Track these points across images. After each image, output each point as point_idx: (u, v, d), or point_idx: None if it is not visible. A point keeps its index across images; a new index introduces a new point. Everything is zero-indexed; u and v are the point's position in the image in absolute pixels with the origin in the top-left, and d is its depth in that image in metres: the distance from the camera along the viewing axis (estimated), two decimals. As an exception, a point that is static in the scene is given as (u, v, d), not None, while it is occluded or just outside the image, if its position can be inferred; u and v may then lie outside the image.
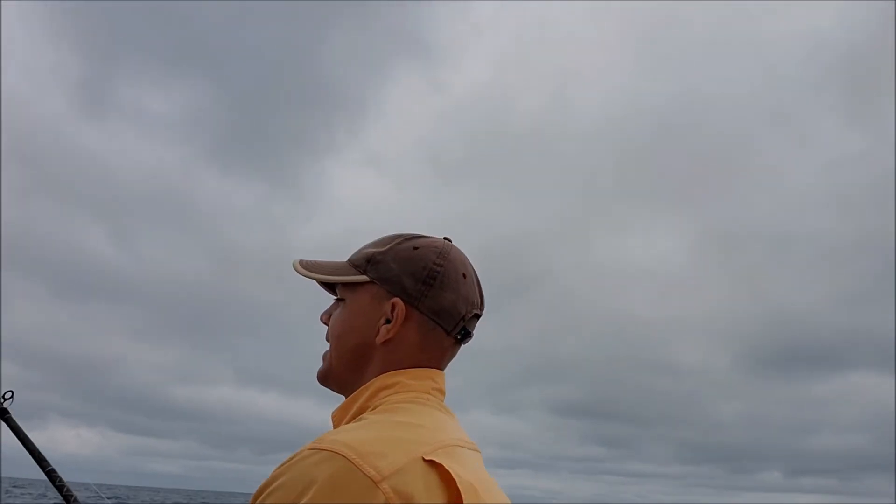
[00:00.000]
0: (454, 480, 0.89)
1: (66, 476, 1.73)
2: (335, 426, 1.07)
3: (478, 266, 1.16)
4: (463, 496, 0.89)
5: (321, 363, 1.15)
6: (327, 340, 1.14)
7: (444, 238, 1.15)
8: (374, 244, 1.14)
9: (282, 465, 0.90)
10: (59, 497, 1.68)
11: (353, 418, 1.04)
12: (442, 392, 1.09)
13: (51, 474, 1.70)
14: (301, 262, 1.17)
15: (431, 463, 0.89)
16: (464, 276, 1.10)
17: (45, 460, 1.71)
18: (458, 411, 1.10)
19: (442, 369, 1.11)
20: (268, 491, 0.88)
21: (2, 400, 1.79)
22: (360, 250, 1.14)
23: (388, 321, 1.07)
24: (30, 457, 1.73)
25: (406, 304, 1.07)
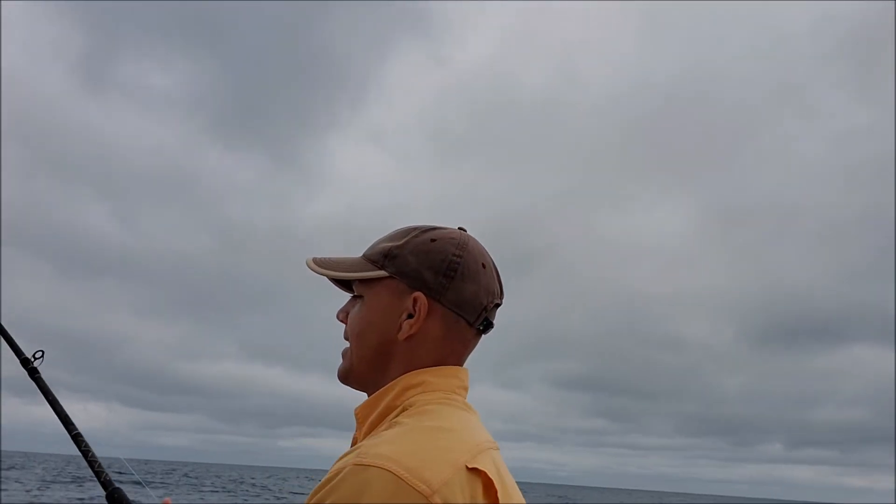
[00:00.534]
0: (495, 488, 0.91)
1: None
2: (359, 423, 1.07)
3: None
4: (500, 500, 0.91)
5: (341, 360, 1.13)
6: (346, 339, 1.13)
7: (459, 228, 1.13)
8: (389, 238, 1.11)
9: (328, 483, 0.90)
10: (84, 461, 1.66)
11: (379, 417, 1.03)
12: (466, 390, 1.08)
13: (76, 438, 1.69)
14: (315, 260, 1.14)
15: (474, 471, 0.91)
16: (483, 265, 1.09)
17: (72, 423, 1.71)
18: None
19: (463, 363, 1.10)
20: None
21: (32, 359, 1.77)
22: (374, 245, 1.12)
23: (410, 316, 1.05)
24: (56, 419, 1.72)
25: (428, 298, 1.05)
